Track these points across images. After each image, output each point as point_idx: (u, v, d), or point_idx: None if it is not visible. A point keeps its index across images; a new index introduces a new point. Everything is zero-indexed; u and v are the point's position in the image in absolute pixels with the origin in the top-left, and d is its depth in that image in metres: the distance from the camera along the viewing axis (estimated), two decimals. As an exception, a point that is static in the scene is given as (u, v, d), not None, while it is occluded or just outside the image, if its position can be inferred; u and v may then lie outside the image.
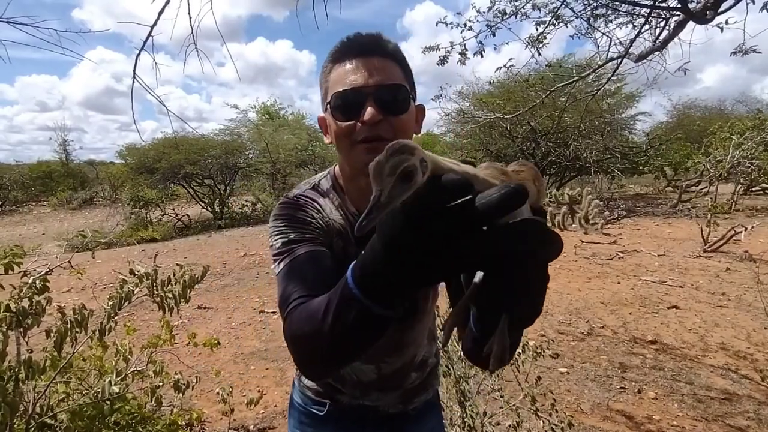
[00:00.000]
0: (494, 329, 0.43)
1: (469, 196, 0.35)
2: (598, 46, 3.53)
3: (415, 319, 0.93)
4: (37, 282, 1.33)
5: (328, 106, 0.79)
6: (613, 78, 4.31)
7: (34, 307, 1.32)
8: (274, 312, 4.25)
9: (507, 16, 3.28)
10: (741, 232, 5.98)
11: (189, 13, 1.68)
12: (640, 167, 13.38)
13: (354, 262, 0.47)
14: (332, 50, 0.82)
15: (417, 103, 0.85)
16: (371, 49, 0.78)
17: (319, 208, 0.84)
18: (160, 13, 1.64)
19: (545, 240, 0.36)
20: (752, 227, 6.14)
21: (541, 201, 0.46)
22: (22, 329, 1.30)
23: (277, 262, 0.76)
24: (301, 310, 0.62)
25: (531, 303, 0.41)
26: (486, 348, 0.43)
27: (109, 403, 1.57)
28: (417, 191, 0.34)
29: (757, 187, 11.94)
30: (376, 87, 0.76)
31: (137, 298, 1.50)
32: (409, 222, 0.36)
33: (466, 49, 3.46)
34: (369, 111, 0.74)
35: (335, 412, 0.97)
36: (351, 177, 0.85)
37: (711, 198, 9.28)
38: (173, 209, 13.14)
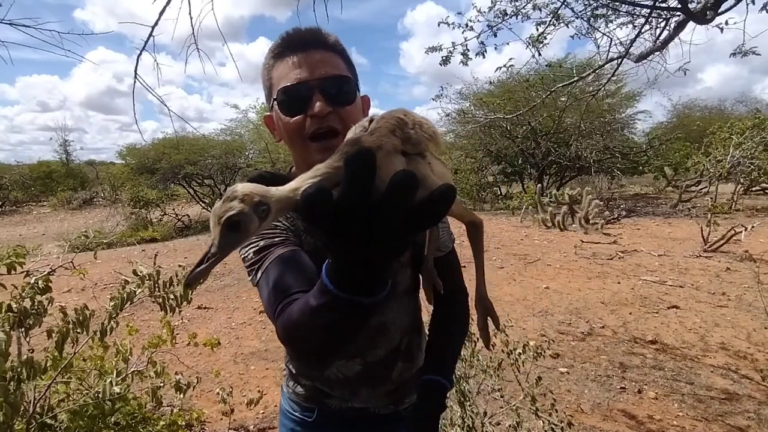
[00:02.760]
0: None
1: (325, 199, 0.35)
2: (598, 47, 3.53)
3: (388, 297, 0.92)
4: (40, 282, 1.33)
5: (275, 102, 0.79)
6: (613, 78, 4.31)
7: (35, 307, 1.32)
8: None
9: (508, 16, 3.28)
10: (741, 231, 5.98)
11: (190, 14, 1.69)
12: (640, 167, 13.39)
13: (326, 262, 0.47)
14: (272, 46, 0.81)
15: (362, 94, 0.85)
16: (313, 42, 0.78)
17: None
18: (161, 13, 1.64)
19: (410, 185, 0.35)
20: (752, 227, 6.13)
21: (419, 144, 0.43)
22: (23, 329, 1.30)
23: (254, 272, 0.75)
24: (289, 313, 0.62)
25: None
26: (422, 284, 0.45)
27: (109, 403, 1.57)
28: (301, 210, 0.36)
29: (757, 187, 11.95)
30: (321, 79, 0.76)
31: (138, 298, 1.50)
32: (315, 234, 0.39)
33: (468, 50, 3.46)
34: (317, 104, 0.74)
35: (325, 417, 0.95)
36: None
37: (711, 198, 9.28)
38: (173, 209, 13.13)
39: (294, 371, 0.98)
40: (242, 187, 0.35)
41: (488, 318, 0.50)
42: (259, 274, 0.74)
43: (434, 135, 0.47)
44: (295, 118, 0.77)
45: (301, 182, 0.38)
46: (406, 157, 0.41)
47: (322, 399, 0.95)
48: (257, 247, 0.76)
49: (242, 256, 0.78)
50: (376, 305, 0.47)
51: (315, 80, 0.75)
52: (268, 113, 0.86)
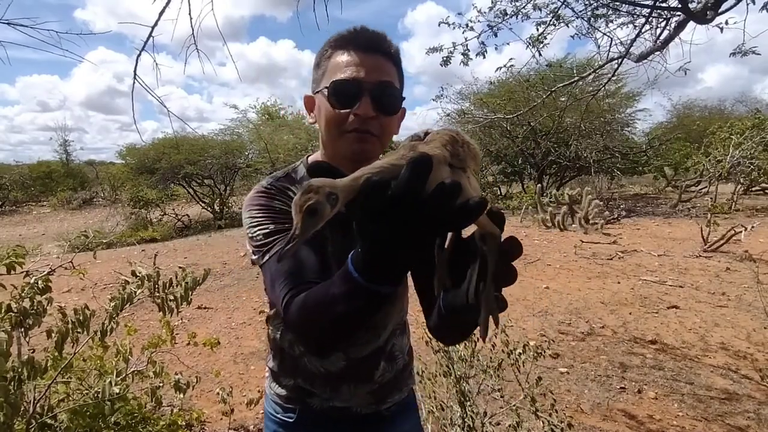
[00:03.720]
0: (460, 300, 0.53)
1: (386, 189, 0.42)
2: (598, 47, 3.53)
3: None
4: (39, 282, 1.33)
5: (325, 90, 0.80)
6: (613, 78, 4.31)
7: (35, 307, 1.32)
8: (274, 312, 4.25)
9: (508, 16, 3.28)
10: (741, 231, 5.98)
11: (189, 14, 1.69)
12: (640, 167, 13.38)
13: (352, 252, 0.52)
14: (336, 36, 0.82)
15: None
16: (376, 46, 0.80)
17: (294, 195, 0.84)
18: (161, 13, 1.64)
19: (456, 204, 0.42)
20: (752, 227, 6.14)
21: (464, 160, 0.50)
22: (23, 329, 1.30)
23: (261, 254, 0.79)
24: (304, 299, 0.65)
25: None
26: (480, 319, 0.51)
27: (109, 403, 1.56)
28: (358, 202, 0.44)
29: (757, 187, 11.95)
30: (375, 84, 0.78)
31: (138, 299, 1.50)
32: (365, 217, 0.45)
33: (469, 50, 3.46)
34: (365, 106, 0.77)
35: (306, 417, 0.95)
36: (331, 159, 0.86)
37: (711, 198, 9.28)
38: (173, 209, 13.14)
39: (276, 370, 0.98)
40: (316, 181, 0.43)
41: (489, 315, 0.53)
42: (266, 257, 0.77)
43: (476, 156, 0.54)
44: (340, 111, 0.79)
45: (362, 173, 0.45)
46: (451, 168, 0.48)
47: (304, 399, 0.95)
48: (268, 230, 0.79)
49: (250, 236, 0.81)
50: (390, 296, 0.52)
51: (369, 83, 0.78)
52: (310, 95, 0.88)
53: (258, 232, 0.79)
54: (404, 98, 0.86)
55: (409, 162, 0.42)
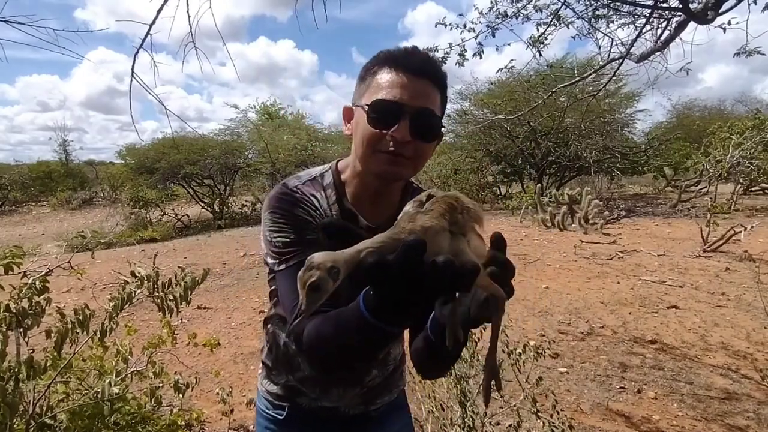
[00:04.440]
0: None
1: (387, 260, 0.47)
2: (599, 47, 3.52)
3: None
4: (37, 283, 1.32)
5: (366, 106, 0.80)
6: (613, 78, 4.31)
7: (33, 308, 1.31)
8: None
9: (507, 17, 3.27)
10: (740, 232, 5.98)
11: (188, 12, 1.68)
12: (640, 167, 13.38)
13: (364, 291, 0.56)
14: (386, 53, 0.82)
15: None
16: (425, 70, 0.79)
17: (317, 204, 0.85)
18: (158, 12, 1.63)
19: (457, 274, 0.47)
20: (752, 227, 6.14)
21: (463, 226, 0.54)
22: (21, 329, 1.29)
23: (278, 261, 0.79)
24: (317, 326, 0.67)
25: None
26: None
27: (108, 403, 1.56)
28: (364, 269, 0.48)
29: (757, 187, 11.96)
30: (417, 109, 0.77)
31: (137, 299, 1.50)
32: (369, 283, 0.52)
33: (465, 50, 3.45)
34: (402, 129, 0.76)
35: (295, 415, 0.98)
36: (358, 174, 0.87)
37: (710, 198, 9.28)
38: (173, 209, 13.12)
39: (270, 365, 1.00)
40: (318, 257, 0.47)
41: (492, 381, 0.59)
42: (283, 266, 0.79)
43: (478, 218, 0.57)
44: (377, 131, 0.78)
45: (364, 246, 0.49)
46: (451, 234, 0.52)
47: (294, 397, 0.97)
48: (288, 239, 0.80)
49: (269, 239, 0.81)
50: (400, 334, 0.58)
51: (411, 107, 0.77)
52: (350, 106, 0.88)
53: (278, 239, 0.80)
54: (443, 126, 0.85)
55: (404, 246, 0.46)
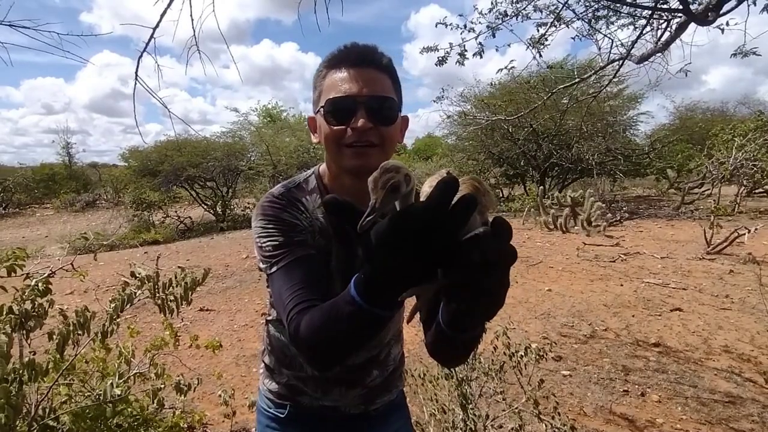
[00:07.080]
0: (461, 321, 0.55)
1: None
2: (599, 48, 3.52)
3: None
4: (40, 284, 1.33)
5: (321, 109, 0.83)
6: (614, 80, 4.31)
7: (36, 310, 1.32)
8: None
9: (507, 17, 3.28)
10: (744, 234, 5.95)
11: (191, 15, 1.69)
12: (643, 169, 13.35)
13: (355, 276, 0.54)
14: (329, 56, 0.85)
15: (402, 114, 0.89)
16: (367, 60, 0.83)
17: (303, 207, 0.88)
18: (162, 15, 1.64)
19: (495, 249, 0.45)
20: (755, 229, 6.10)
21: (485, 209, 0.53)
22: (24, 331, 1.30)
23: (269, 264, 0.81)
24: (311, 318, 0.67)
25: (491, 299, 0.49)
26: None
27: (111, 405, 1.57)
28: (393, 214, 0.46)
29: (760, 189, 11.90)
30: (368, 97, 0.80)
31: (139, 300, 1.50)
32: (391, 227, 0.45)
33: (465, 50, 3.46)
34: (361, 120, 0.79)
35: (296, 414, 0.99)
36: (336, 176, 0.90)
37: (714, 200, 9.25)
38: (176, 211, 13.17)
39: (271, 365, 1.01)
40: (394, 162, 0.48)
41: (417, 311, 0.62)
42: (274, 268, 0.80)
43: (492, 205, 0.57)
44: (337, 127, 0.82)
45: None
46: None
47: (295, 396, 0.99)
48: (277, 242, 0.81)
49: (260, 245, 0.83)
50: (391, 318, 0.54)
51: (362, 96, 0.80)
52: (312, 116, 0.91)
53: (267, 243, 0.82)
54: (401, 106, 0.88)
55: (440, 182, 0.44)
